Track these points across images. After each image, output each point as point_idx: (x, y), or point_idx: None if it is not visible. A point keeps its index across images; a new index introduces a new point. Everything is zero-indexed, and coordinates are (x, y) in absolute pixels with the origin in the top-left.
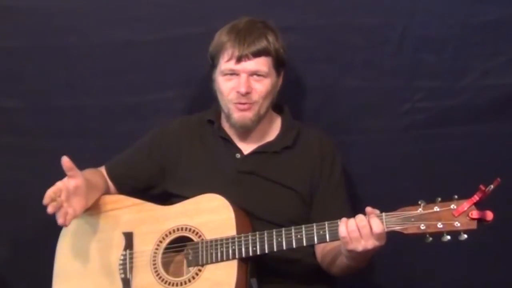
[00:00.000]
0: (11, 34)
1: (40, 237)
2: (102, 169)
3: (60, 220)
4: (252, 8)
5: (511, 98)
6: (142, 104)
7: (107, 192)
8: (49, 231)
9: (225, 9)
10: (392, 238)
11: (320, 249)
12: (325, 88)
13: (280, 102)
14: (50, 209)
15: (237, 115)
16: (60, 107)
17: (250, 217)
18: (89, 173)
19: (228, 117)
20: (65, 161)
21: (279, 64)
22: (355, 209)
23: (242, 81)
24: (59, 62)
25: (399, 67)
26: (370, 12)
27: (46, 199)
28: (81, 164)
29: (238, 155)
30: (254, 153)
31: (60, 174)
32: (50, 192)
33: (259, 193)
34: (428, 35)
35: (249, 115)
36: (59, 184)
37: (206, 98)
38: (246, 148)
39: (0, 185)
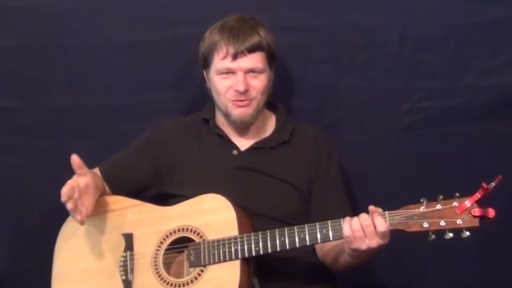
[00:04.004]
0: (11, 34)
1: (40, 237)
2: (96, 171)
3: (78, 217)
4: (252, 8)
5: (511, 98)
6: (142, 104)
7: (103, 193)
8: (49, 231)
9: (225, 9)
10: (391, 236)
11: (319, 248)
12: (325, 88)
13: (273, 100)
14: (70, 205)
15: (237, 112)
16: (60, 107)
17: (250, 214)
18: None
19: (227, 115)
20: (74, 158)
21: (271, 59)
22: (355, 208)
23: (239, 80)
24: (59, 62)
25: (399, 67)
26: (370, 12)
27: (63, 197)
28: None
29: (235, 152)
30: (251, 149)
31: (60, 174)
32: (66, 190)
33: (258, 188)
34: (428, 35)
35: (248, 111)
36: (71, 183)
37: (206, 98)
38: (243, 144)
39: (0, 185)
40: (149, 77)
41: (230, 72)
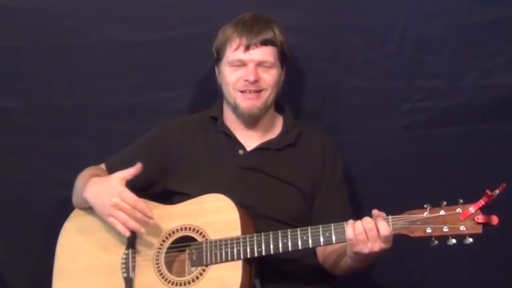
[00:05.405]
0: (11, 34)
1: (40, 237)
2: (102, 166)
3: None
4: (253, 9)
5: (511, 98)
6: (142, 104)
7: None
8: (49, 231)
9: (225, 9)
10: (394, 239)
11: (320, 251)
12: (325, 88)
13: (281, 102)
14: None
15: (245, 104)
16: (60, 107)
17: (253, 214)
18: (95, 170)
19: (235, 108)
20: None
21: (283, 57)
22: (355, 208)
23: (250, 69)
24: (59, 62)
25: (399, 67)
26: (370, 12)
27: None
28: (81, 164)
29: (241, 152)
30: (256, 149)
31: (60, 174)
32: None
33: (261, 189)
34: (428, 35)
35: (257, 103)
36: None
37: (206, 98)
38: (249, 144)
39: (0, 185)
40: (149, 77)
41: (241, 64)
